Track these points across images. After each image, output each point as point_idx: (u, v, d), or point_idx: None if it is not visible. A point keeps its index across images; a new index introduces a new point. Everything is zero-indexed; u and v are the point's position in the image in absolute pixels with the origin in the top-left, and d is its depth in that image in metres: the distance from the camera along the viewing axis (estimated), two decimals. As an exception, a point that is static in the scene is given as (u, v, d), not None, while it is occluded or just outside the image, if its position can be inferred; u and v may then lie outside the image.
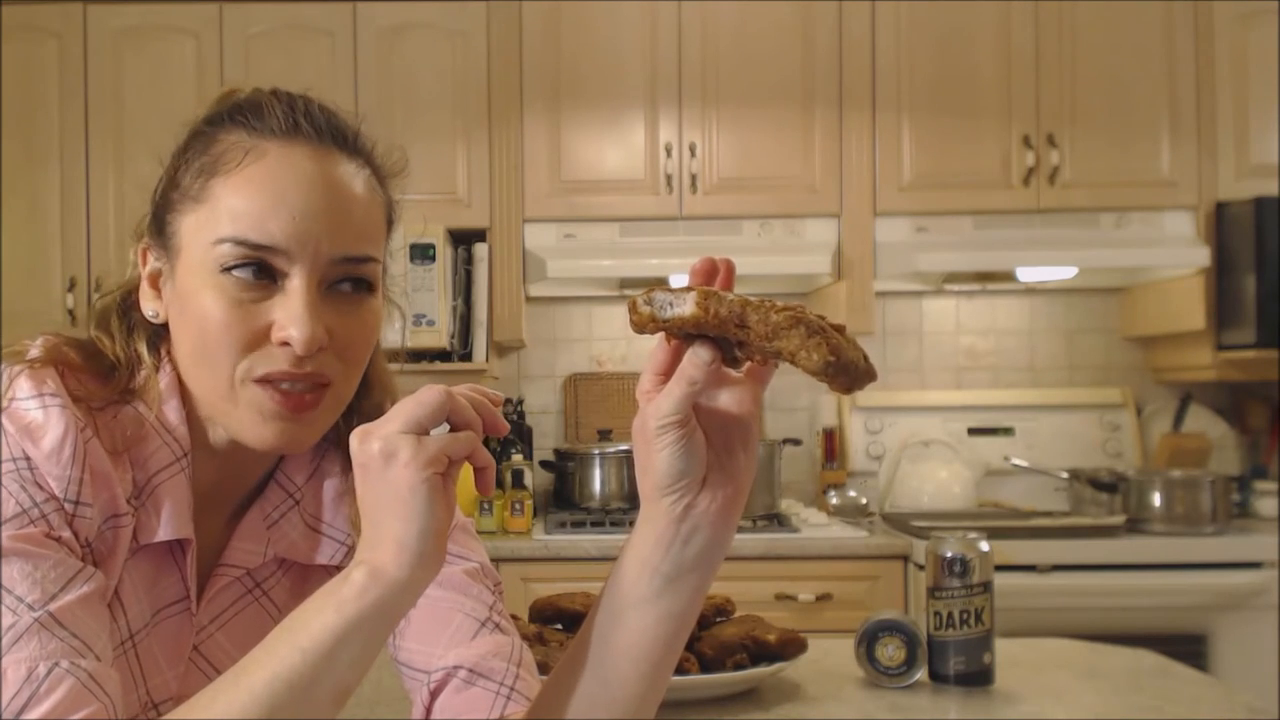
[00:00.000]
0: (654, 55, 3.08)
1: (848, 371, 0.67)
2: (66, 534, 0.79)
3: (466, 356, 3.06)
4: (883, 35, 3.07)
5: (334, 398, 0.88)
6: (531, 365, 3.44)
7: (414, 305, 2.92)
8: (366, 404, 0.97)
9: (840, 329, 0.68)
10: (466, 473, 0.78)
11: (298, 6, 3.10)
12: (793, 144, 3.07)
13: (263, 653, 0.72)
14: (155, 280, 0.90)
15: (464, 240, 3.09)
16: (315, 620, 0.71)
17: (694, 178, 3.06)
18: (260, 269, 0.84)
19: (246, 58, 3.08)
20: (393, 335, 1.00)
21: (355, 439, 0.74)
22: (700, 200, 3.07)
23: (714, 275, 0.73)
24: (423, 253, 2.93)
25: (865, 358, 0.68)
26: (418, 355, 2.99)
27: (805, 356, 0.66)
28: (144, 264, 0.91)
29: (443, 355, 3.02)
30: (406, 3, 3.10)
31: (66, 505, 0.79)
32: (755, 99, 3.07)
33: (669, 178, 3.07)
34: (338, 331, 0.86)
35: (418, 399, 0.73)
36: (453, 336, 3.02)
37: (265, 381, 0.84)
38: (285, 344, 0.84)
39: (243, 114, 0.88)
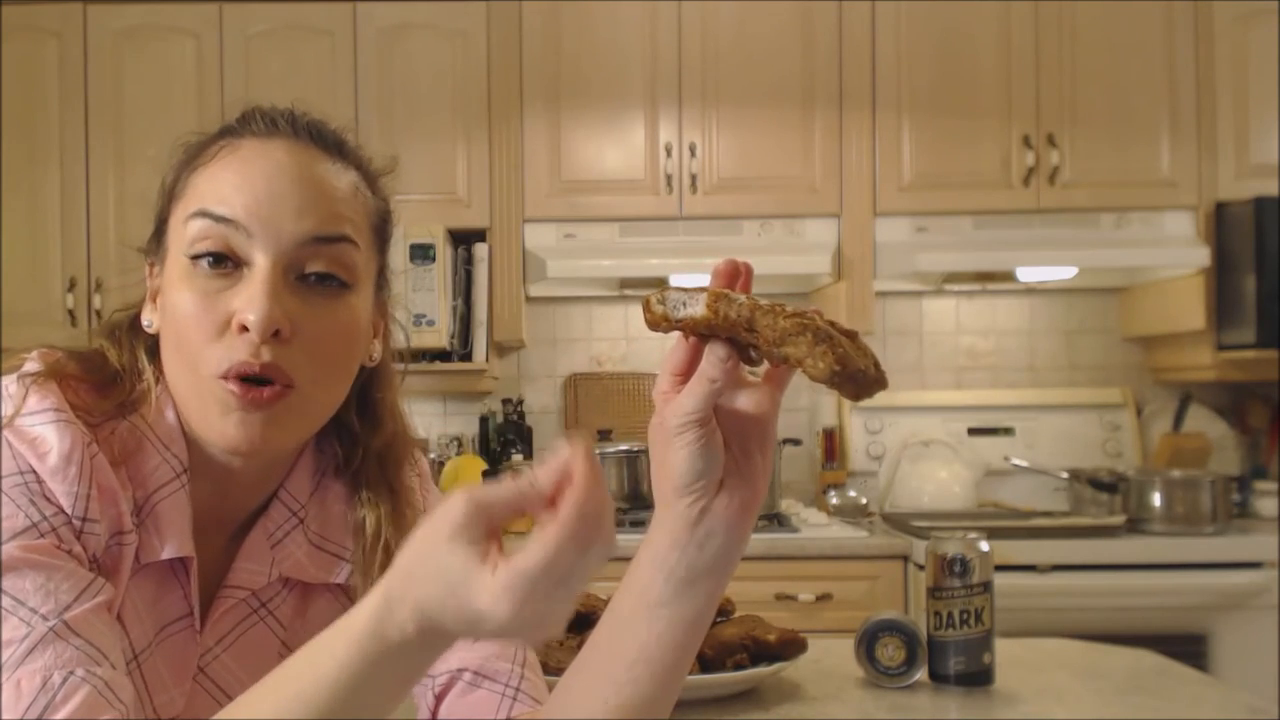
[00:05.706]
0: (654, 55, 3.08)
1: (855, 380, 0.66)
2: (76, 548, 0.78)
3: (466, 356, 3.06)
4: (883, 35, 3.07)
5: (301, 401, 0.85)
6: (531, 365, 3.44)
7: (414, 305, 2.92)
8: (378, 439, 0.95)
9: (851, 335, 0.67)
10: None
11: (298, 6, 3.10)
12: (793, 144, 3.07)
13: (268, 694, 0.67)
14: (155, 294, 0.90)
15: (464, 240, 3.09)
16: (322, 663, 0.65)
17: (694, 178, 3.06)
18: (224, 257, 0.83)
19: (246, 58, 3.08)
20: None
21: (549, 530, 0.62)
22: (700, 200, 3.07)
23: (735, 277, 0.71)
24: (423, 253, 2.93)
25: (876, 364, 0.67)
26: (418, 355, 2.99)
27: (811, 364, 0.65)
28: (150, 278, 0.92)
29: (443, 355, 3.02)
30: (406, 3, 3.10)
31: (75, 522, 0.79)
32: (755, 99, 3.07)
33: (669, 178, 3.07)
34: (304, 325, 0.84)
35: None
36: (453, 336, 3.02)
37: (225, 376, 0.83)
38: (244, 329, 0.82)
39: (230, 124, 0.90)
